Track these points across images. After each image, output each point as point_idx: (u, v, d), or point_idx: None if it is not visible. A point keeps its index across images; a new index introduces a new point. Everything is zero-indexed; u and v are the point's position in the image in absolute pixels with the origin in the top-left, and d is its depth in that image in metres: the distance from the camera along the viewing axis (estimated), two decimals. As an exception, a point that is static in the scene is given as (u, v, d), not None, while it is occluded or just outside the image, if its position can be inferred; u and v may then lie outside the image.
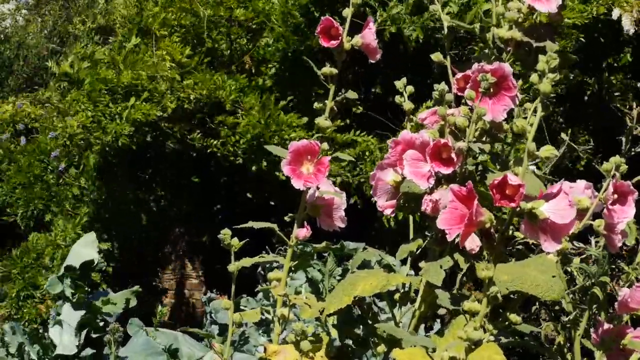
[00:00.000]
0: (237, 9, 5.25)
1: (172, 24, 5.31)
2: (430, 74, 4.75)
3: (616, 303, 1.93)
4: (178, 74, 5.10)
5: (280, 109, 4.99)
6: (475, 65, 1.75)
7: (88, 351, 3.39)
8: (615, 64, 5.02)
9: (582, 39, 4.65)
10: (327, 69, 1.94)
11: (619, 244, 1.77)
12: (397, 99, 2.01)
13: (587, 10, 4.64)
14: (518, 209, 1.67)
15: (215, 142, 5.04)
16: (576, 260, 2.43)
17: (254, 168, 4.96)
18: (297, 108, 5.04)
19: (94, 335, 3.45)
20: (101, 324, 3.41)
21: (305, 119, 4.93)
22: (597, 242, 2.91)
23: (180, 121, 5.13)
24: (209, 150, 5.08)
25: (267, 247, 3.78)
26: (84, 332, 3.43)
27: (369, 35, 1.96)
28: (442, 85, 1.81)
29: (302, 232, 1.96)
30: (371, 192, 1.93)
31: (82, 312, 3.38)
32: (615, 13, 4.55)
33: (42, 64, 8.79)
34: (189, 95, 5.01)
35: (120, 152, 5.19)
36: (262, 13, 5.21)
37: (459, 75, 1.83)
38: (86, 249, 3.50)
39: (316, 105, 1.97)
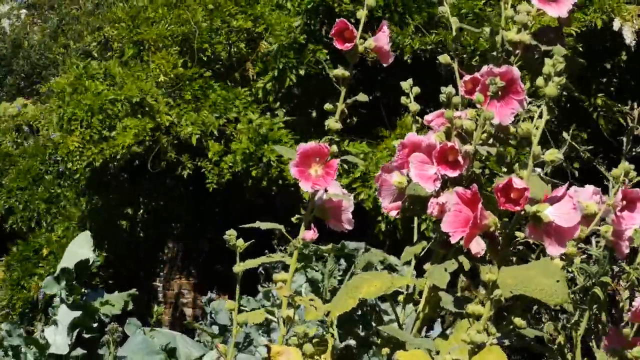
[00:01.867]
0: (237, 15, 5.23)
1: (168, 35, 5.29)
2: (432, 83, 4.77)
3: (629, 312, 1.92)
4: (170, 90, 5.10)
5: (275, 123, 5.00)
6: (484, 68, 1.74)
7: (79, 351, 3.37)
8: (607, 78, 5.05)
9: (580, 49, 4.65)
10: (339, 71, 1.93)
11: (627, 251, 1.77)
12: (403, 99, 2.00)
13: (585, 19, 4.64)
14: (523, 212, 1.67)
15: (208, 165, 5.04)
16: (577, 260, 2.43)
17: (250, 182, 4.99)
18: (291, 123, 5.06)
19: (86, 335, 3.44)
20: (95, 325, 3.40)
21: (296, 137, 4.96)
22: (597, 242, 2.91)
23: (172, 143, 5.13)
24: (202, 170, 5.09)
25: (275, 246, 3.77)
26: (75, 332, 3.42)
27: (382, 38, 1.95)
28: (449, 88, 1.80)
29: (309, 234, 1.95)
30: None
31: (77, 313, 3.37)
32: (616, 24, 4.53)
33: (41, 62, 8.76)
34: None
35: (115, 165, 5.19)
36: (260, 19, 5.21)
37: (467, 77, 1.82)
38: (81, 249, 3.49)
39: (327, 106, 1.96)
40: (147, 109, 5.03)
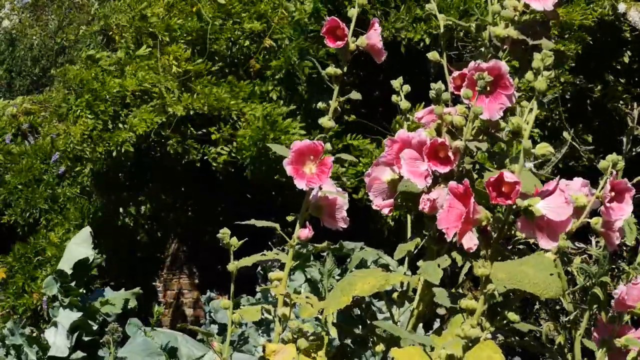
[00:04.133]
0: (241, 13, 5.24)
1: (176, 29, 5.30)
2: (428, 77, 4.76)
3: (612, 301, 1.93)
4: (181, 81, 5.10)
5: (281, 114, 4.99)
6: (471, 64, 1.75)
7: (79, 354, 3.38)
8: (618, 67, 5.01)
9: (590, 41, 4.62)
10: (332, 69, 1.94)
11: (617, 242, 1.77)
12: (394, 98, 2.01)
13: (589, 9, 4.62)
14: (514, 206, 1.67)
15: (212, 151, 5.03)
16: (577, 260, 2.43)
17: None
18: (298, 115, 5.06)
19: (86, 338, 3.45)
20: (95, 327, 3.41)
21: (302, 124, 4.94)
22: (597, 241, 2.91)
23: (178, 130, 5.12)
24: (205, 158, 5.08)
25: (269, 244, 3.78)
26: (75, 335, 3.42)
27: (374, 36, 1.96)
28: (439, 84, 1.81)
29: (304, 233, 1.96)
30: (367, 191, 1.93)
31: (76, 315, 3.38)
32: (621, 7, 4.50)
33: (48, 64, 8.80)
34: (195, 106, 5.00)
35: (121, 157, 5.18)
36: (264, 17, 5.21)
37: (456, 73, 1.83)
38: (81, 247, 3.49)
39: (320, 105, 1.97)
40: (157, 98, 5.01)
